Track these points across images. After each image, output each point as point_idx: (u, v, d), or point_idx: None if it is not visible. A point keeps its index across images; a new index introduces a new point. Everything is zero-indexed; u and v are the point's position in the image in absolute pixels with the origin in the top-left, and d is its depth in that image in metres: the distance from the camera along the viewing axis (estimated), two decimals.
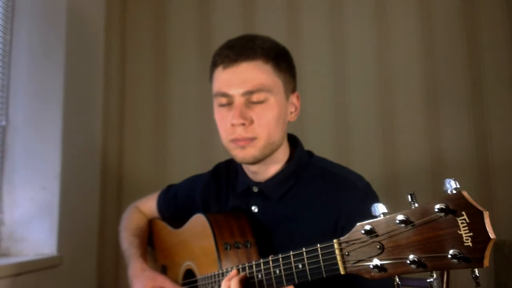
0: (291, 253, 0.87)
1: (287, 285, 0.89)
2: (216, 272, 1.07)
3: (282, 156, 1.16)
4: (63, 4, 1.89)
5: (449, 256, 0.62)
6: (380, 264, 0.71)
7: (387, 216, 0.71)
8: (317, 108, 2.40)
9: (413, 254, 0.67)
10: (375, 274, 0.72)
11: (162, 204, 1.44)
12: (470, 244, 0.61)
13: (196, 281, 1.18)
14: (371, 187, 1.10)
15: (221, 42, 1.16)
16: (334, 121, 2.43)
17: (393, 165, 2.37)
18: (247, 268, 0.97)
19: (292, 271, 0.87)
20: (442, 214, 0.63)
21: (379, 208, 0.72)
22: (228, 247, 1.07)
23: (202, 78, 2.47)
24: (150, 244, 1.45)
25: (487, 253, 0.60)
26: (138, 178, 2.42)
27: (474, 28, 2.44)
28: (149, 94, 2.52)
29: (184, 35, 2.56)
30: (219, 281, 1.04)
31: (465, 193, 0.62)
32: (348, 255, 0.76)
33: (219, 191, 1.28)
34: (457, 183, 0.64)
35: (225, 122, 1.09)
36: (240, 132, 1.07)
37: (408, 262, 0.67)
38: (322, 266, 0.81)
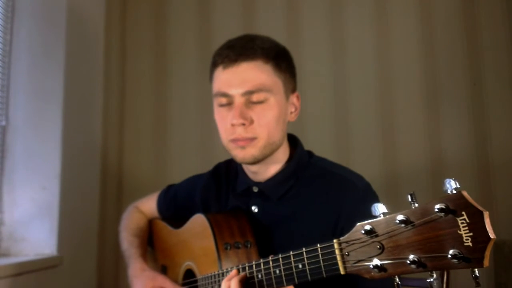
0: (291, 253, 0.87)
1: (287, 285, 0.89)
2: (216, 272, 1.07)
3: (282, 156, 1.16)
4: (63, 4, 1.89)
5: (449, 256, 0.62)
6: (380, 264, 0.71)
7: (387, 216, 0.71)
8: (317, 108, 2.40)
9: (413, 254, 0.67)
10: (375, 274, 0.72)
11: (162, 204, 1.44)
12: (470, 244, 0.61)
13: (196, 281, 1.18)
14: (371, 187, 1.10)
15: (221, 42, 1.16)
16: (334, 121, 2.43)
17: (393, 165, 2.37)
18: (247, 268, 0.97)
19: (292, 271, 0.87)
20: (442, 214, 0.63)
21: (379, 208, 0.72)
22: (228, 247, 1.07)
23: (202, 78, 2.46)
24: (150, 244, 1.45)
25: (487, 253, 0.60)
26: (138, 178, 2.42)
27: (474, 28, 2.44)
28: (149, 94, 2.52)
29: (184, 35, 2.56)
30: (219, 281, 1.04)
31: (465, 193, 0.62)
32: (348, 255, 0.77)
33: (219, 191, 1.28)
34: (457, 183, 0.64)
35: (225, 122, 1.09)
36: (240, 132, 1.07)
37: (408, 262, 0.67)
38: (322, 266, 0.81)
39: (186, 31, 2.56)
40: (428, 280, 0.67)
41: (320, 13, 2.52)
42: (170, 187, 1.46)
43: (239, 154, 1.10)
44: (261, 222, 1.14)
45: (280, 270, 0.90)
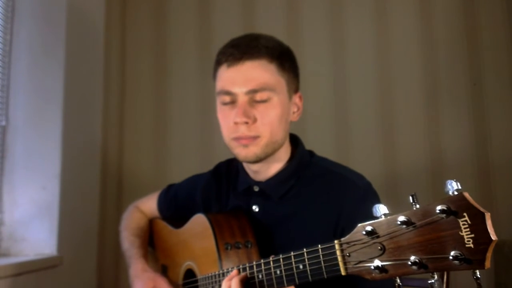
0: (292, 253, 0.87)
1: (288, 285, 0.89)
2: (217, 272, 1.07)
3: (283, 155, 1.16)
4: (63, 4, 1.89)
5: (451, 257, 0.62)
6: (381, 265, 0.71)
7: (388, 217, 0.71)
8: (317, 108, 2.40)
9: (414, 255, 0.67)
10: (376, 275, 0.72)
11: (163, 203, 1.44)
12: (472, 245, 0.61)
13: (196, 281, 1.18)
14: (372, 186, 1.10)
15: (221, 42, 1.16)
16: (334, 121, 2.43)
17: (393, 165, 2.37)
18: (247, 268, 0.97)
19: (293, 272, 0.87)
20: (444, 215, 0.63)
21: (381, 209, 0.72)
22: (229, 247, 1.07)
23: (202, 78, 2.47)
24: (151, 243, 1.45)
25: (489, 254, 0.59)
26: (138, 178, 2.42)
27: (474, 28, 2.44)
28: (149, 94, 2.52)
29: (184, 35, 2.56)
30: (219, 281, 1.04)
31: (466, 195, 0.62)
32: (349, 256, 0.76)
33: (219, 190, 1.28)
34: (458, 184, 0.63)
35: (228, 121, 1.10)
36: (243, 130, 1.07)
37: (409, 263, 0.67)
38: (323, 267, 0.81)
39: (186, 31, 2.56)
40: (429, 281, 0.67)
41: (320, 13, 2.52)
42: (170, 186, 1.46)
43: (242, 152, 1.10)
44: (262, 221, 1.14)
45: (281, 271, 0.90)
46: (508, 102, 2.36)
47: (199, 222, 1.17)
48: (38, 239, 1.78)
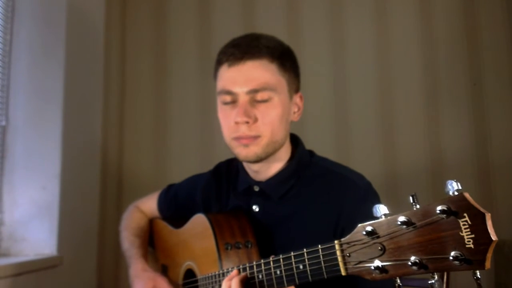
0: (292, 253, 0.87)
1: (288, 285, 0.89)
2: (217, 272, 1.07)
3: (284, 155, 1.16)
4: (63, 4, 1.89)
5: (451, 257, 0.62)
6: (381, 265, 0.71)
7: (389, 217, 0.71)
8: (317, 108, 2.40)
9: (414, 256, 0.67)
10: (376, 275, 0.72)
11: (163, 203, 1.44)
12: (472, 246, 0.61)
13: (196, 281, 1.18)
14: (372, 186, 1.10)
15: (221, 42, 1.16)
16: (334, 121, 2.43)
17: (393, 165, 2.37)
18: (247, 268, 0.97)
19: (293, 272, 0.87)
20: (444, 215, 0.63)
21: (381, 209, 0.72)
22: (229, 247, 1.07)
23: (202, 78, 2.47)
24: (151, 243, 1.45)
25: (489, 255, 0.59)
26: (138, 178, 2.42)
27: (474, 28, 2.44)
28: (149, 94, 2.52)
29: (184, 35, 2.56)
30: (219, 281, 1.04)
31: (467, 195, 0.62)
32: (349, 256, 0.76)
33: (219, 190, 1.28)
34: (459, 184, 0.63)
35: (229, 120, 1.10)
36: (244, 130, 1.07)
37: (410, 263, 0.67)
38: (323, 267, 0.81)
39: (186, 31, 2.56)
40: (429, 282, 0.67)
41: (320, 13, 2.52)
42: (170, 186, 1.46)
43: (242, 152, 1.10)
44: (262, 221, 1.14)
45: (281, 271, 0.90)
46: (508, 102, 2.36)
47: (199, 222, 1.17)
48: (38, 239, 1.78)
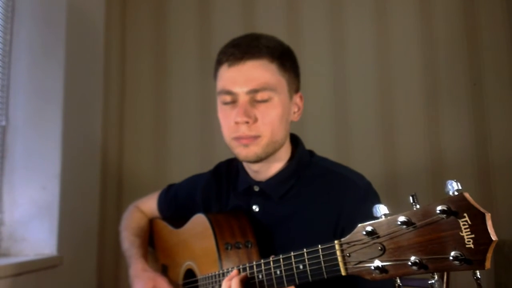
0: (292, 253, 0.87)
1: (288, 285, 0.89)
2: (217, 272, 1.07)
3: (284, 155, 1.16)
4: (63, 4, 1.89)
5: (451, 258, 0.62)
6: (381, 265, 0.71)
7: (389, 217, 0.71)
8: (317, 108, 2.40)
9: (414, 256, 0.67)
10: (376, 275, 0.72)
11: (163, 203, 1.44)
12: (472, 246, 0.61)
13: (196, 281, 1.18)
14: (372, 186, 1.10)
15: (221, 42, 1.16)
16: (334, 121, 2.43)
17: (393, 165, 2.37)
18: (247, 268, 0.97)
19: (293, 272, 0.87)
20: (444, 215, 0.63)
21: (381, 209, 0.72)
22: (229, 247, 1.07)
23: (202, 78, 2.47)
24: (151, 243, 1.45)
25: (489, 255, 0.59)
26: (138, 178, 2.42)
27: (474, 28, 2.44)
28: (149, 94, 2.52)
29: (184, 35, 2.56)
30: (219, 281, 1.04)
31: (467, 195, 0.62)
32: (349, 256, 0.76)
33: (220, 190, 1.28)
34: (459, 184, 0.63)
35: (229, 120, 1.10)
36: (244, 130, 1.07)
37: (410, 263, 0.67)
38: (323, 267, 0.81)
39: (186, 31, 2.56)
40: (429, 282, 0.67)
41: (320, 13, 2.52)
42: (170, 186, 1.46)
43: (242, 152, 1.10)
44: (262, 221, 1.14)
45: (281, 271, 0.90)
46: (508, 102, 2.36)
47: (199, 222, 1.17)
48: (38, 239, 1.78)
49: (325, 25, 2.51)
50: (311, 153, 1.21)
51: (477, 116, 2.37)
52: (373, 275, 0.72)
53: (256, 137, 1.08)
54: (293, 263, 0.87)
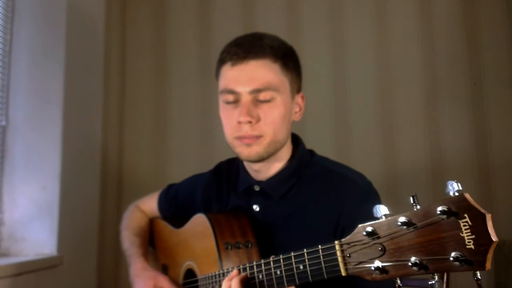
0: (292, 253, 0.87)
1: (288, 285, 0.89)
2: (217, 272, 1.07)
3: (285, 154, 1.16)
4: (63, 4, 1.89)
5: (451, 258, 0.62)
6: (382, 266, 0.71)
7: (389, 218, 0.71)
8: (317, 108, 2.40)
9: (414, 256, 0.67)
10: (377, 276, 0.72)
11: (163, 203, 1.44)
12: (472, 246, 0.60)
13: (196, 281, 1.18)
14: (373, 185, 1.10)
15: (221, 42, 1.16)
16: (334, 121, 2.43)
17: (393, 165, 2.37)
18: (248, 268, 0.97)
19: (293, 272, 0.87)
20: (444, 216, 0.63)
21: (381, 210, 0.72)
22: (229, 247, 1.07)
23: (202, 78, 2.47)
24: (151, 243, 1.45)
25: (489, 256, 0.59)
26: (138, 178, 2.42)
27: (474, 28, 2.44)
28: (149, 94, 2.52)
29: (184, 35, 2.56)
30: (219, 281, 1.04)
31: (467, 196, 0.62)
32: (349, 256, 0.76)
33: (220, 190, 1.28)
34: (459, 185, 0.63)
35: (231, 120, 1.09)
36: (246, 129, 1.07)
37: (410, 264, 0.67)
38: (323, 267, 0.81)
39: (186, 31, 2.56)
40: (429, 282, 0.67)
41: (320, 13, 2.52)
42: (170, 186, 1.46)
43: (244, 151, 1.10)
44: (262, 221, 1.14)
45: (281, 271, 0.90)
46: (508, 102, 2.36)
47: (199, 222, 1.17)
48: (38, 239, 1.78)
49: (325, 25, 2.51)
50: (311, 152, 1.21)
51: (477, 116, 2.37)
52: (373, 275, 0.72)
53: (259, 136, 1.08)
54: (293, 263, 0.87)
